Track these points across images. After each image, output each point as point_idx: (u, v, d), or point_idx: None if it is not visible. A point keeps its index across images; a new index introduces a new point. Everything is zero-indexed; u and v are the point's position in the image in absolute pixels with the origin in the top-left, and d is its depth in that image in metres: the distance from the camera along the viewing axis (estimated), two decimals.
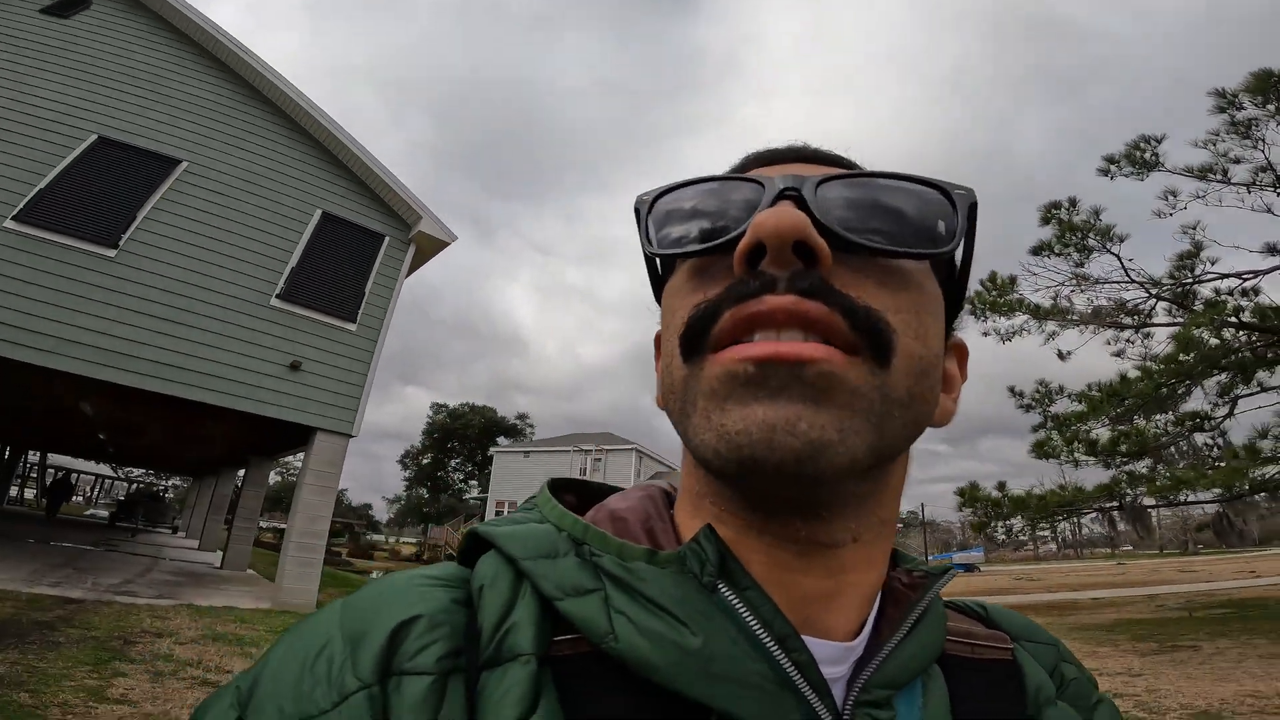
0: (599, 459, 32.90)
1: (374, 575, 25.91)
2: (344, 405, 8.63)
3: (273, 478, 32.29)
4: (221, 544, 14.48)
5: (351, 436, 8.67)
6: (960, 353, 0.45)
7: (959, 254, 0.39)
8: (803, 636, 0.34)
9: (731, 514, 0.36)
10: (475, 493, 47.40)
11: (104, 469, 38.74)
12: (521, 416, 54.02)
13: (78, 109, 8.05)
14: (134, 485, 39.93)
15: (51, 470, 28.41)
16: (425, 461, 51.83)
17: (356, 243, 9.26)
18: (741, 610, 0.33)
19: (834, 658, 0.35)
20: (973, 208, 0.37)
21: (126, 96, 8.45)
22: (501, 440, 46.74)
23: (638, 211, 0.40)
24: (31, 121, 7.71)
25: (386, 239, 9.44)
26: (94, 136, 7.98)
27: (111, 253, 7.66)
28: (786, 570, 0.36)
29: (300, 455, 9.16)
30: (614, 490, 0.46)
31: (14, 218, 7.18)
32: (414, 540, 48.86)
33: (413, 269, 10.11)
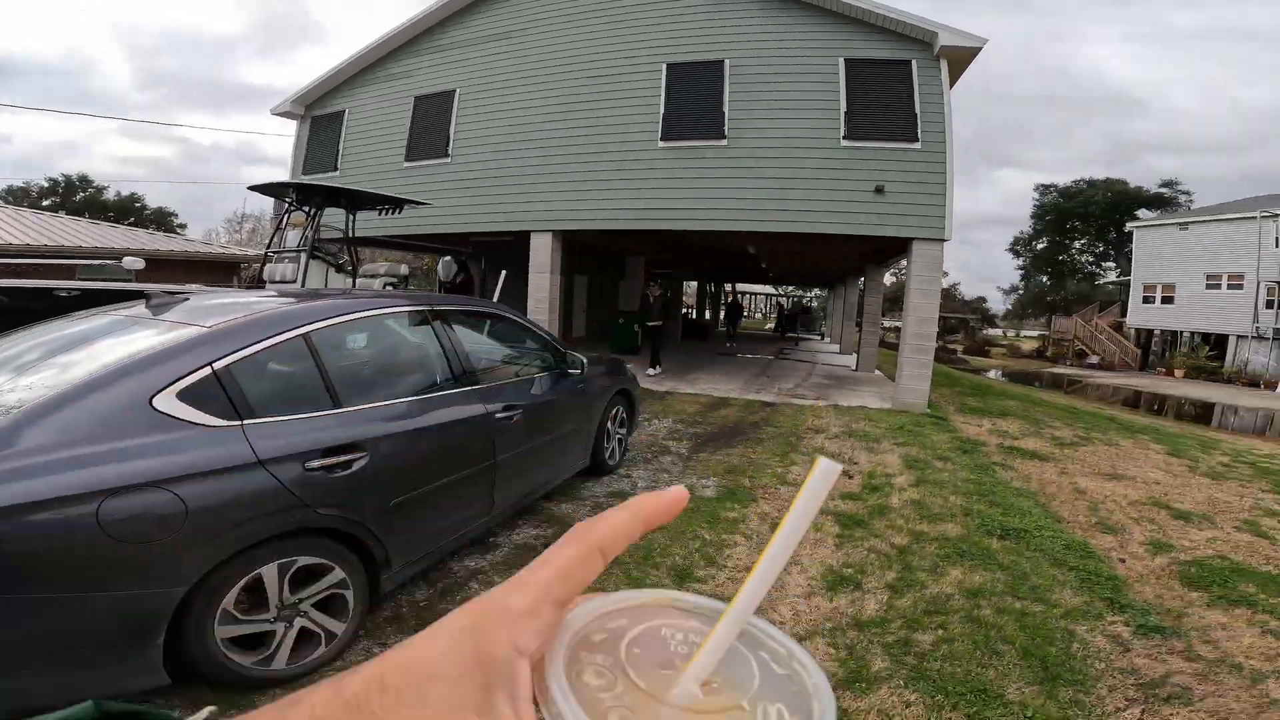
0: None
1: (991, 374, 26.12)
2: (931, 214, 9.33)
3: (888, 279, 35.38)
4: (855, 345, 17.38)
5: (944, 240, 9.36)
6: None
7: None
8: None
9: None
10: (1113, 275, 40.51)
11: (769, 289, 49.98)
12: (1169, 183, 42.00)
13: (651, 51, 10.74)
14: (790, 300, 49.91)
15: (726, 294, 35.87)
16: (1040, 247, 46.82)
17: (888, 74, 9.62)
18: None
19: None
20: None
21: (671, 25, 10.68)
22: (1142, 214, 37.80)
23: None
24: (638, 70, 10.76)
25: (913, 62, 9.53)
26: (664, 65, 10.58)
27: (723, 142, 10.05)
28: None
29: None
30: None
31: (661, 139, 10.45)
32: (1036, 334, 45.94)
33: (955, 76, 9.90)
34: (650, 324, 12.05)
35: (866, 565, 3.65)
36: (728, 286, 35.58)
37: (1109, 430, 9.19)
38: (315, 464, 2.43)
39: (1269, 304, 24.27)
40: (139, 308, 2.91)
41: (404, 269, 10.24)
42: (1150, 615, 3.24)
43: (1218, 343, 26.47)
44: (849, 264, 17.62)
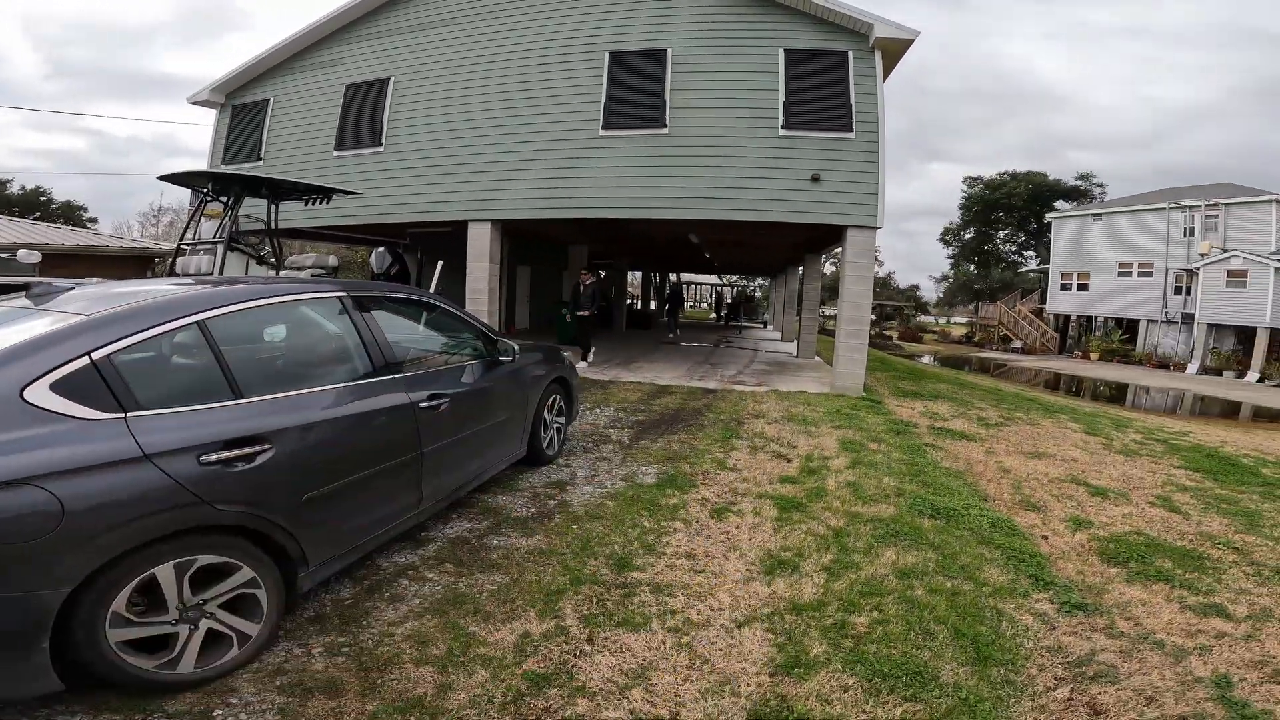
0: (1213, 215, 24.82)
1: (925, 359, 27.14)
2: (864, 202, 9.54)
3: (829, 269, 36.19)
4: (796, 333, 17.71)
5: (877, 228, 9.60)
6: None
7: None
8: None
9: None
10: (1034, 264, 42.63)
11: (714, 279, 50.32)
12: (1084, 176, 44.49)
13: (593, 40, 10.63)
14: (735, 290, 50.45)
15: (671, 282, 35.14)
16: (968, 237, 48.86)
17: (825, 64, 9.79)
18: None
19: None
20: None
21: (613, 14, 10.59)
22: (1060, 205, 39.86)
23: None
24: (580, 59, 10.65)
25: (850, 53, 9.71)
26: (607, 54, 10.49)
27: (664, 131, 10.03)
28: None
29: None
30: None
31: (602, 127, 10.34)
32: (965, 320, 47.98)
33: (889, 68, 10.17)
34: (579, 314, 11.60)
35: (804, 548, 3.67)
36: (673, 277, 35.75)
37: (1031, 411, 9.63)
38: (212, 458, 2.25)
39: (1177, 290, 25.99)
40: (19, 299, 2.66)
41: (332, 260, 9.81)
42: (1073, 592, 3.34)
43: (1130, 327, 28.20)
44: (788, 253, 17.99)
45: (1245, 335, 22.96)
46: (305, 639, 2.65)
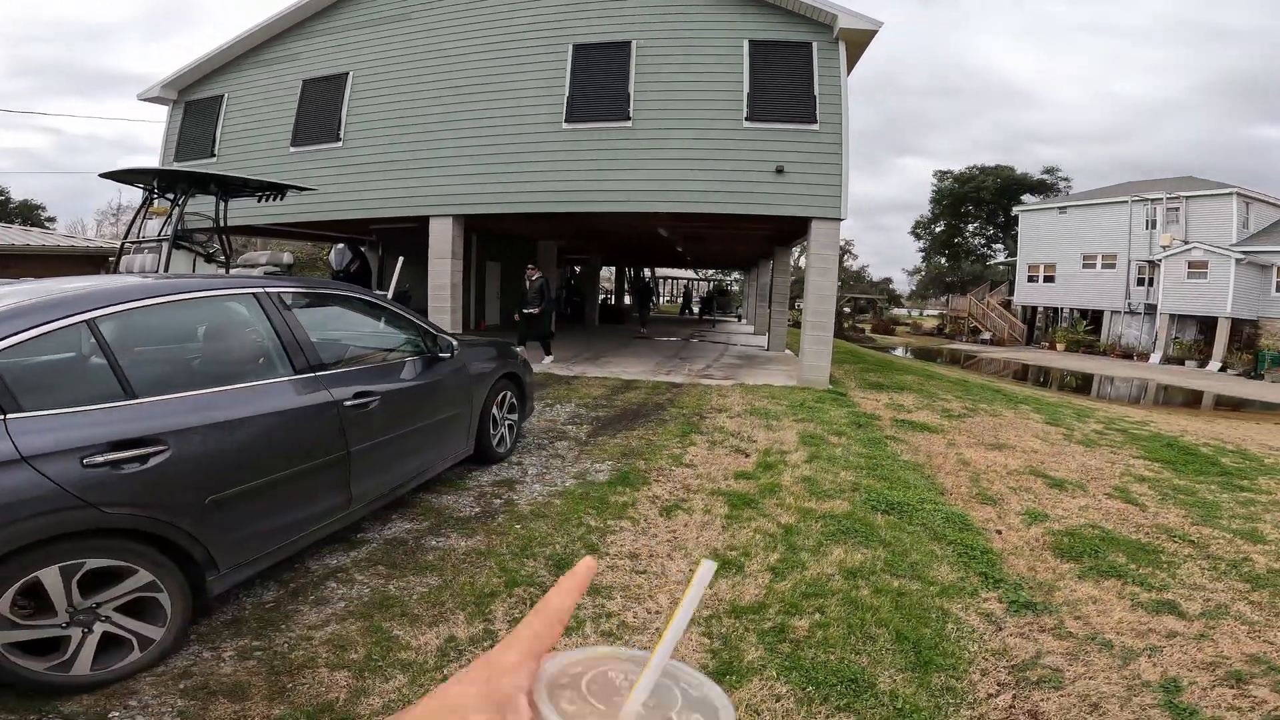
0: (1174, 208, 25.30)
1: (898, 351, 27.40)
2: (828, 194, 9.50)
3: (804, 260, 36.24)
4: (768, 326, 17.71)
5: (841, 220, 9.57)
6: None
7: None
8: None
9: None
10: (1002, 257, 43.25)
11: (690, 273, 50.21)
12: (1050, 170, 45.26)
13: (557, 32, 10.45)
14: (710, 284, 50.32)
15: (641, 276, 33.16)
16: (938, 230, 49.44)
17: (789, 56, 9.71)
18: None
19: None
20: None
21: (577, 6, 10.43)
22: (1027, 198, 40.50)
23: None
24: (543, 52, 10.47)
25: (814, 44, 9.65)
26: (570, 46, 10.33)
27: (628, 124, 9.91)
28: None
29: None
30: None
31: (565, 120, 10.18)
32: (936, 313, 48.57)
33: (854, 60, 10.14)
34: (526, 311, 10.55)
35: (751, 547, 3.58)
36: (647, 271, 35.62)
37: (994, 402, 9.70)
38: (98, 460, 2.11)
39: (1139, 281, 26.51)
40: None
41: (287, 258, 9.56)
42: (1023, 590, 3.28)
43: (1094, 318, 28.73)
44: (759, 246, 18.00)
45: (1206, 325, 23.50)
46: (218, 642, 2.55)
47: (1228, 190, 23.97)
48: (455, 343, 4.17)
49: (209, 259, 8.60)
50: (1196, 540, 4.25)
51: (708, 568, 0.39)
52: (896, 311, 51.33)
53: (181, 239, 8.41)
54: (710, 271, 49.88)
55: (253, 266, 9.49)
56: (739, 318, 33.34)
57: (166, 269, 8.19)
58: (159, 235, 8.63)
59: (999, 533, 4.14)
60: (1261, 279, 22.30)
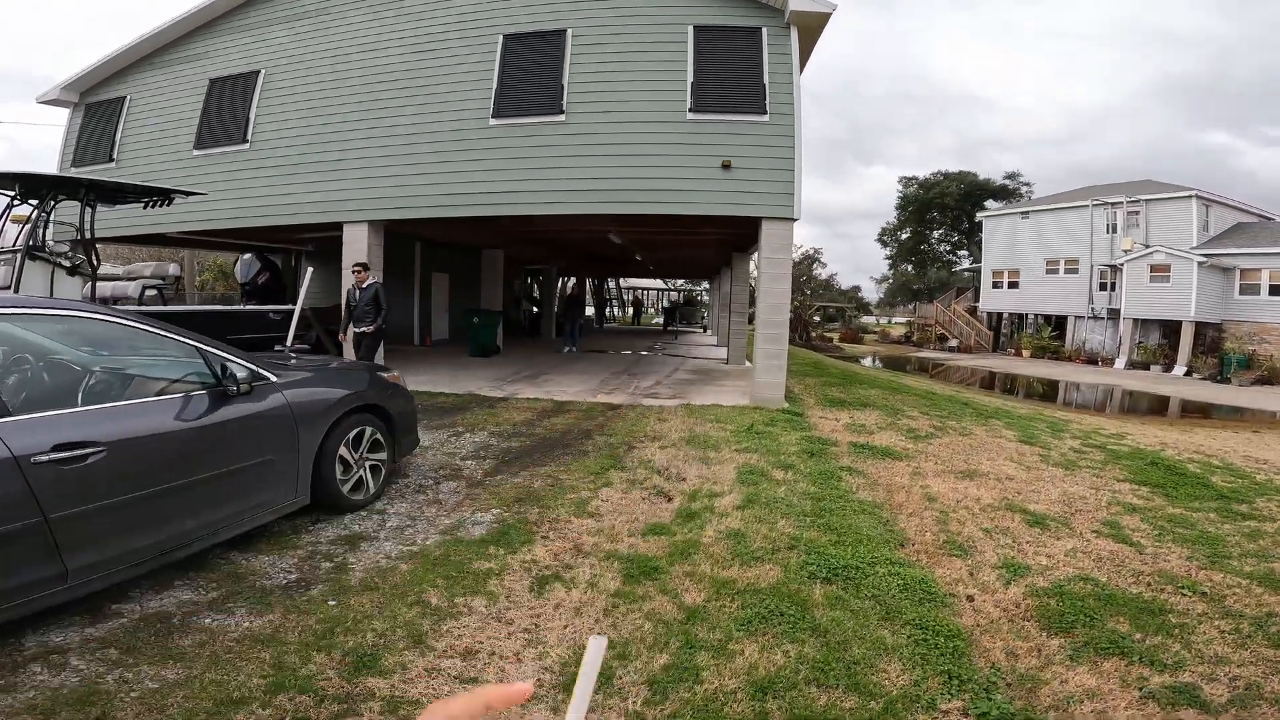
0: (1135, 212, 25.24)
1: (866, 360, 26.87)
2: (780, 191, 8.68)
3: (754, 268, 35.66)
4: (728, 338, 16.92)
5: (794, 220, 8.76)
6: None
7: None
8: None
9: None
10: (967, 263, 43.31)
11: (657, 283, 49.16)
12: (1012, 175, 45.72)
13: (485, 21, 9.57)
14: (680, 294, 49.49)
15: (598, 286, 31.05)
16: (904, 237, 49.46)
17: (737, 43, 8.99)
18: None
19: None
20: None
21: None
22: (990, 204, 40.64)
23: None
24: (470, 43, 9.57)
25: (764, 29, 8.92)
26: (500, 37, 9.46)
27: (561, 118, 9.03)
28: None
29: None
30: None
31: (493, 116, 9.26)
32: (904, 320, 48.46)
33: (807, 48, 9.39)
34: (360, 330, 7.90)
35: (633, 644, 2.62)
36: (612, 282, 34.76)
37: (964, 417, 8.94)
38: None
39: (1102, 286, 26.36)
40: None
41: (173, 269, 8.49)
42: (997, 692, 2.40)
43: (1059, 323, 28.55)
44: (716, 253, 17.18)
45: (1170, 329, 23.32)
46: None
47: (1188, 193, 23.92)
48: (267, 372, 3.19)
49: (72, 272, 7.48)
50: (1208, 591, 3.45)
51: (597, 645, 0.36)
52: (865, 320, 51.21)
53: (37, 250, 7.30)
54: (680, 282, 49.21)
55: (135, 279, 8.36)
56: (704, 328, 32.62)
57: (18, 283, 7.07)
58: (13, 246, 7.53)
59: (970, 599, 3.27)
60: (1224, 282, 22.18)
